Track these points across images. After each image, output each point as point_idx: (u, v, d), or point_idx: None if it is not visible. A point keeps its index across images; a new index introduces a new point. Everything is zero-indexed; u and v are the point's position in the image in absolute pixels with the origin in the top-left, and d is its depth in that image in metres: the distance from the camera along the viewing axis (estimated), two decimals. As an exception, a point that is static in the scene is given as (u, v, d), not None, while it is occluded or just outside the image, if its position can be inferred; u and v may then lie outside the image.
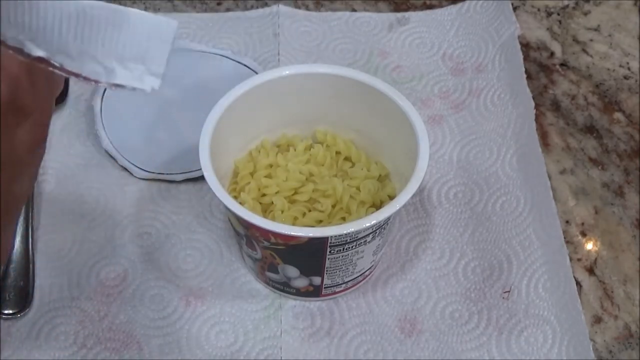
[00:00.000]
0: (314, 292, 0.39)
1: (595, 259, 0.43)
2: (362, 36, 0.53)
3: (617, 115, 0.50)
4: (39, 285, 0.41)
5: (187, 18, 0.54)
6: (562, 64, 0.53)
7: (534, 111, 0.47)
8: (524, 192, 0.45)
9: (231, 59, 0.50)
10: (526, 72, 0.49)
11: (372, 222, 0.33)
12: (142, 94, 0.24)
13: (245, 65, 0.50)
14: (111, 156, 0.46)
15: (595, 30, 0.56)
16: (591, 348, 0.38)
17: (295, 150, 0.41)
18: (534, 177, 0.45)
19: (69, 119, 0.48)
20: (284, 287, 0.39)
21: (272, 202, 0.39)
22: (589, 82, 0.52)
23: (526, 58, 0.52)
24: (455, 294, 0.41)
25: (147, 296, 0.40)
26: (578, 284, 0.42)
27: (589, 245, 0.44)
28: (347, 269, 0.37)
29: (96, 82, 0.23)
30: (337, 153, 0.42)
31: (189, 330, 0.39)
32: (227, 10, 0.55)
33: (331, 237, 0.33)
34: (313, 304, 0.40)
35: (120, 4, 0.56)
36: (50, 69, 0.22)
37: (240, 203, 0.36)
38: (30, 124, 0.25)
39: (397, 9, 0.56)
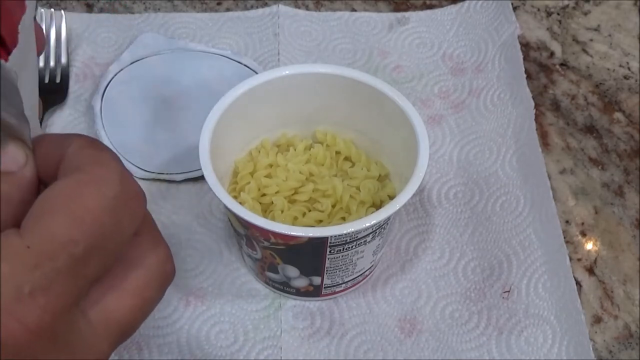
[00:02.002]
0: (314, 292, 0.39)
1: (595, 259, 0.43)
2: (362, 36, 0.53)
3: (617, 115, 0.50)
4: (39, 285, 0.41)
5: (187, 18, 0.54)
6: (562, 64, 0.53)
7: (534, 111, 0.47)
8: (524, 192, 0.45)
9: (231, 59, 0.50)
10: (526, 72, 0.49)
11: (372, 222, 0.33)
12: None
13: (245, 65, 0.50)
14: (111, 156, 0.46)
15: (595, 30, 0.56)
16: (591, 348, 0.38)
17: (295, 150, 0.41)
18: (534, 177, 0.45)
19: (69, 119, 0.48)
20: (284, 287, 0.39)
21: (272, 202, 0.39)
22: (589, 82, 0.52)
23: (526, 58, 0.52)
24: (455, 294, 0.41)
25: (147, 296, 0.40)
26: (578, 284, 0.42)
27: (589, 245, 0.44)
28: (347, 268, 0.37)
29: None
30: (337, 153, 0.42)
31: (189, 330, 0.39)
32: (227, 10, 0.55)
33: (331, 237, 0.33)
34: (313, 304, 0.40)
35: (120, 3, 0.56)
36: None
37: (240, 203, 0.36)
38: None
39: (397, 9, 0.56)
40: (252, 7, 0.55)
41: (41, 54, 0.26)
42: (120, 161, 0.23)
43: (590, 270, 0.43)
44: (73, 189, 0.21)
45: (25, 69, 0.24)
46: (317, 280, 0.38)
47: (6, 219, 0.21)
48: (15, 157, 0.22)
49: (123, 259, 0.23)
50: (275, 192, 0.39)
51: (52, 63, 0.50)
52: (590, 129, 0.50)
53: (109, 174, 0.22)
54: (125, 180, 0.22)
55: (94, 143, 0.23)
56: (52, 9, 0.51)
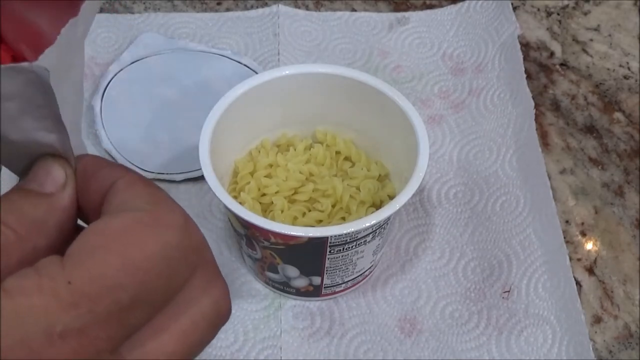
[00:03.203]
0: (314, 292, 0.39)
1: (595, 259, 0.43)
2: (362, 36, 0.53)
3: (617, 115, 0.50)
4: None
5: (187, 18, 0.54)
6: (562, 64, 0.53)
7: (534, 111, 0.47)
8: (524, 192, 0.45)
9: (231, 59, 0.50)
10: (526, 72, 0.49)
11: (372, 222, 0.33)
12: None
13: (245, 65, 0.50)
14: (111, 156, 0.46)
15: (595, 30, 0.56)
16: (591, 348, 0.38)
17: (295, 150, 0.41)
18: (534, 177, 0.45)
19: (69, 119, 0.48)
20: (284, 287, 0.39)
21: (272, 202, 0.39)
22: (589, 82, 0.52)
23: (526, 58, 0.52)
24: (455, 294, 0.41)
25: (147, 296, 0.40)
26: (578, 284, 0.42)
27: (589, 245, 0.44)
28: (347, 268, 0.37)
29: None
30: (337, 153, 0.42)
31: (189, 330, 0.39)
32: (227, 10, 0.55)
33: (331, 237, 0.33)
34: (313, 304, 0.40)
35: (120, 3, 0.56)
36: None
37: (240, 203, 0.36)
38: None
39: (397, 9, 0.56)
40: (252, 7, 0.55)
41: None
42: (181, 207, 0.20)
43: (590, 270, 0.43)
44: (132, 228, 0.19)
45: (65, 80, 0.21)
46: (317, 280, 0.38)
47: (39, 245, 0.19)
48: (54, 177, 0.20)
49: (172, 299, 0.20)
50: (275, 192, 0.39)
51: (52, 63, 0.50)
52: (590, 129, 0.50)
53: (174, 220, 0.19)
54: (190, 229, 0.20)
55: (146, 180, 0.21)
56: (52, 9, 0.51)
